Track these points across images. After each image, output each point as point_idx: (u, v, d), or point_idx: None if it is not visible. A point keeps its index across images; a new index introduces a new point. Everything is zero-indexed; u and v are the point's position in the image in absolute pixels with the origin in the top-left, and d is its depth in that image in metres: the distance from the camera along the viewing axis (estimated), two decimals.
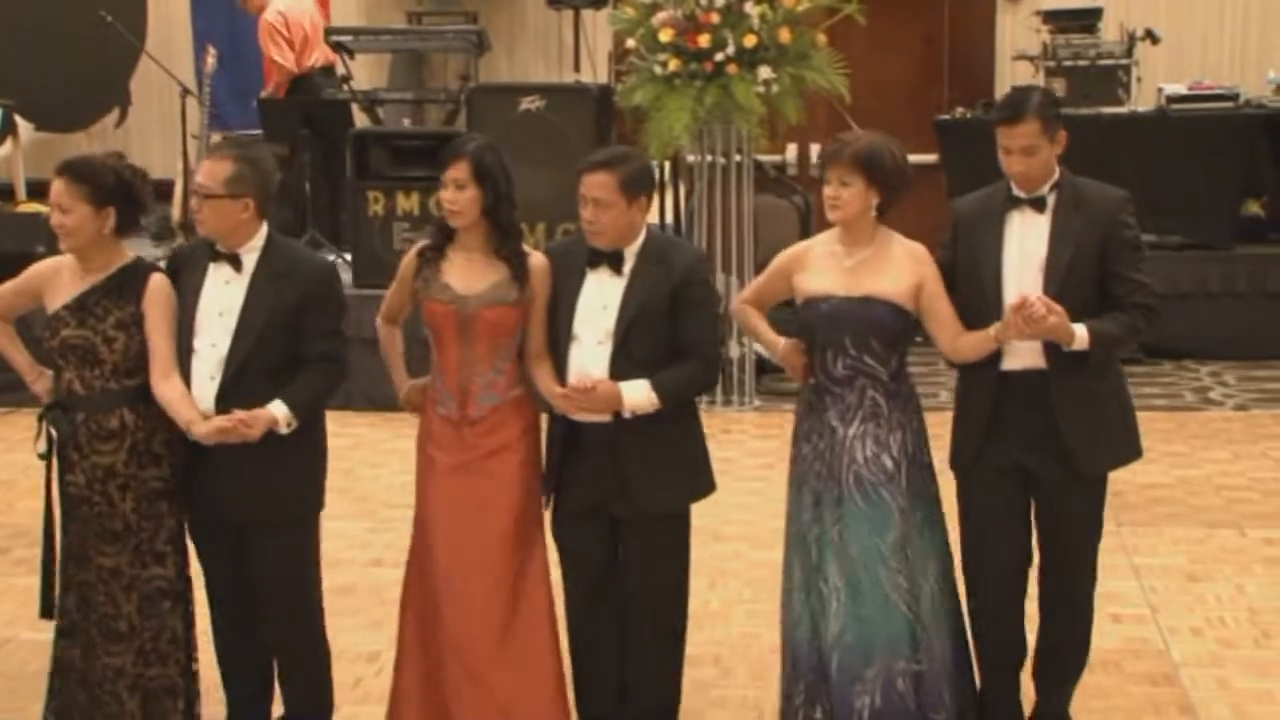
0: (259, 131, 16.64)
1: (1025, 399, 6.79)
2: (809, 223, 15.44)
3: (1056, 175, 6.86)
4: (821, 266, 6.97)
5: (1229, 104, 15.98)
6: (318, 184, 16.06)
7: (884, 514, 6.83)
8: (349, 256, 15.11)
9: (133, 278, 7.04)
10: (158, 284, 7.03)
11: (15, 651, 7.69)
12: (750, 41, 13.48)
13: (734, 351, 14.11)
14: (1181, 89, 16.05)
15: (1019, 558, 7.04)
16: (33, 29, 17.47)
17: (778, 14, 13.57)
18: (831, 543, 6.86)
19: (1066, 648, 7.14)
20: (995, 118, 7.01)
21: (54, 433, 7.07)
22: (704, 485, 7.32)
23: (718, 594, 8.55)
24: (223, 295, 6.98)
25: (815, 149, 15.48)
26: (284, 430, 6.88)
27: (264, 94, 17.07)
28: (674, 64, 13.61)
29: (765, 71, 13.55)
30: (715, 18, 13.50)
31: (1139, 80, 16.02)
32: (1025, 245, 6.80)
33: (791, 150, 15.34)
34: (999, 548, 6.99)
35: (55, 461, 7.13)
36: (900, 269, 6.86)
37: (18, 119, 17.09)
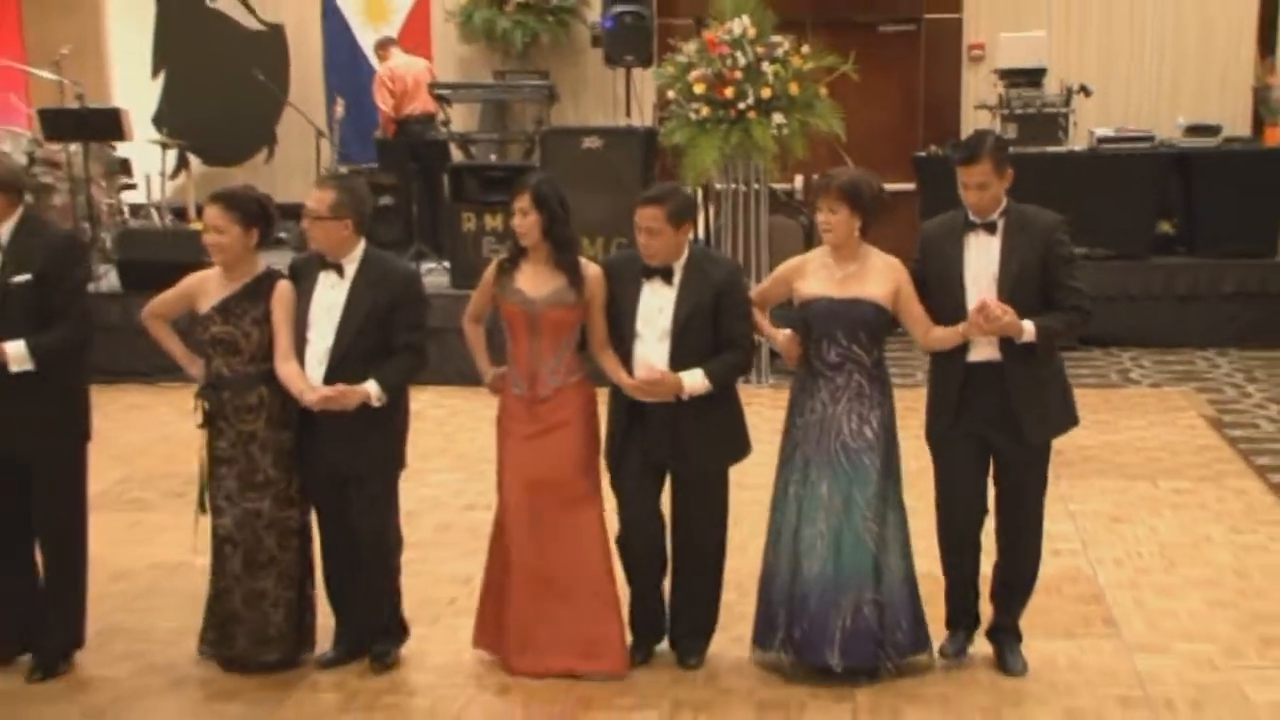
0: (376, 165, 16.67)
1: (986, 384, 6.93)
2: (811, 238, 15.40)
3: (1004, 204, 7.02)
4: (817, 275, 7.10)
5: (1146, 144, 15.96)
6: (423, 206, 16.05)
7: (864, 475, 7.01)
8: (447, 264, 15.12)
9: (265, 284, 7.31)
10: (283, 288, 7.29)
11: (189, 575, 7.76)
12: (766, 93, 13.46)
13: None
14: (1109, 132, 15.99)
15: (978, 509, 7.16)
16: (201, 86, 17.48)
17: (788, 71, 13.54)
18: (821, 497, 7.01)
19: (1018, 578, 7.24)
20: (955, 158, 7.17)
21: (207, 406, 7.31)
22: (743, 449, 7.44)
23: (738, 531, 8.46)
24: (330, 296, 7.24)
25: (815, 179, 15.45)
26: (375, 404, 7.13)
27: (377, 135, 17.10)
28: (705, 111, 13.59)
29: (778, 117, 13.52)
30: (739, 74, 13.47)
31: (1075, 125, 15.98)
32: (981, 261, 6.97)
33: (798, 180, 15.29)
34: (964, 501, 7.14)
35: (209, 429, 7.34)
36: (881, 277, 7.02)
37: (190, 156, 17.14)
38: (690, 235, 7.34)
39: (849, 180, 7.06)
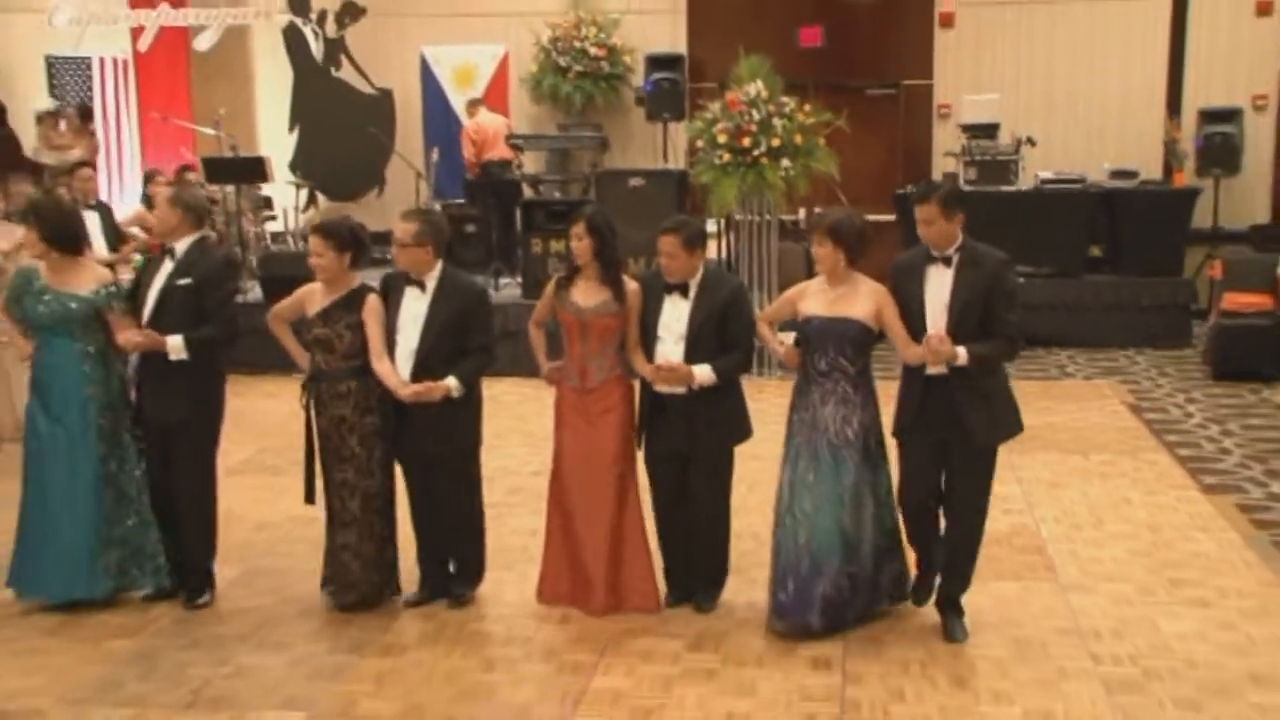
0: (463, 200, 16.69)
1: (940, 393, 6.80)
2: (811, 260, 15.40)
3: (959, 241, 6.86)
4: (814, 298, 7.05)
5: (1079, 185, 15.85)
6: (500, 233, 15.99)
7: (844, 468, 6.94)
8: (520, 279, 15.07)
9: (357, 297, 7.41)
10: (372, 300, 7.39)
11: (316, 528, 7.69)
12: (776, 142, 13.43)
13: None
14: (1050, 174, 15.90)
15: (929, 494, 7.06)
16: (327, 138, 17.53)
17: (793, 125, 13.52)
18: (808, 483, 6.96)
19: (957, 559, 7.06)
20: (912, 197, 7.21)
21: (309, 393, 7.50)
22: (745, 432, 7.42)
23: (754, 495, 8.52)
24: (415, 307, 7.34)
25: (816, 211, 15.42)
26: (455, 395, 7.23)
27: (468, 177, 17.12)
28: (727, 157, 13.57)
29: (785, 162, 13.49)
30: (754, 127, 13.46)
31: (1023, 169, 15.87)
32: (937, 289, 6.83)
33: (802, 212, 15.28)
34: (917, 486, 7.05)
35: (312, 413, 7.52)
36: (865, 300, 6.93)
37: (318, 194, 17.21)
38: (703, 258, 7.34)
39: (835, 220, 7.00)
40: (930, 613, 7.42)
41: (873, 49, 17.81)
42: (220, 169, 16.14)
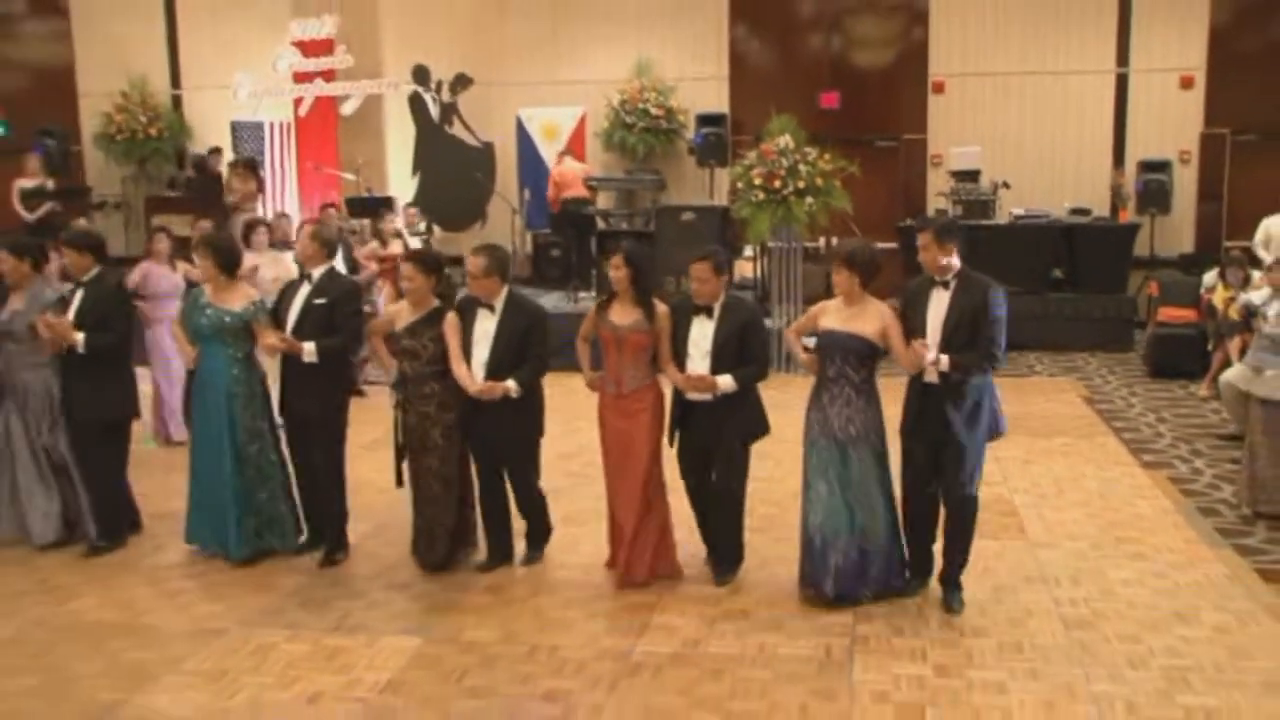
0: (549, 230, 16.77)
1: (934, 400, 6.65)
2: (829, 280, 15.41)
3: (957, 269, 6.67)
4: (832, 315, 6.89)
5: (1044, 219, 15.79)
6: (578, 257, 16.02)
7: (849, 459, 6.77)
8: (594, 294, 14.86)
9: (438, 314, 7.37)
10: (451, 318, 7.31)
11: (405, 504, 7.72)
12: (801, 184, 13.44)
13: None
14: (1021, 211, 15.84)
15: (930, 485, 6.85)
16: (441, 181, 17.62)
17: (815, 170, 13.53)
18: (820, 469, 6.80)
19: (953, 540, 6.86)
20: (915, 226, 7.11)
21: (399, 395, 7.48)
22: (762, 430, 7.24)
23: (782, 469, 8.59)
24: (485, 325, 7.27)
25: (834, 239, 15.43)
26: (514, 395, 7.16)
27: (552, 211, 17.21)
28: (761, 195, 13.57)
29: (809, 200, 13.48)
30: (783, 172, 13.46)
31: (999, 207, 15.88)
32: (937, 310, 6.67)
33: (822, 240, 15.29)
34: (920, 479, 6.88)
35: (399, 410, 7.50)
36: (872, 319, 6.76)
37: (435, 226, 17.35)
38: (727, 283, 7.21)
39: (851, 250, 6.85)
40: (918, 597, 7.43)
41: (879, 110, 17.80)
42: (359, 206, 16.33)
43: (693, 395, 7.08)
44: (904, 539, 7.04)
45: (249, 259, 10.97)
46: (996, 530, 8.17)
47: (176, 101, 19.68)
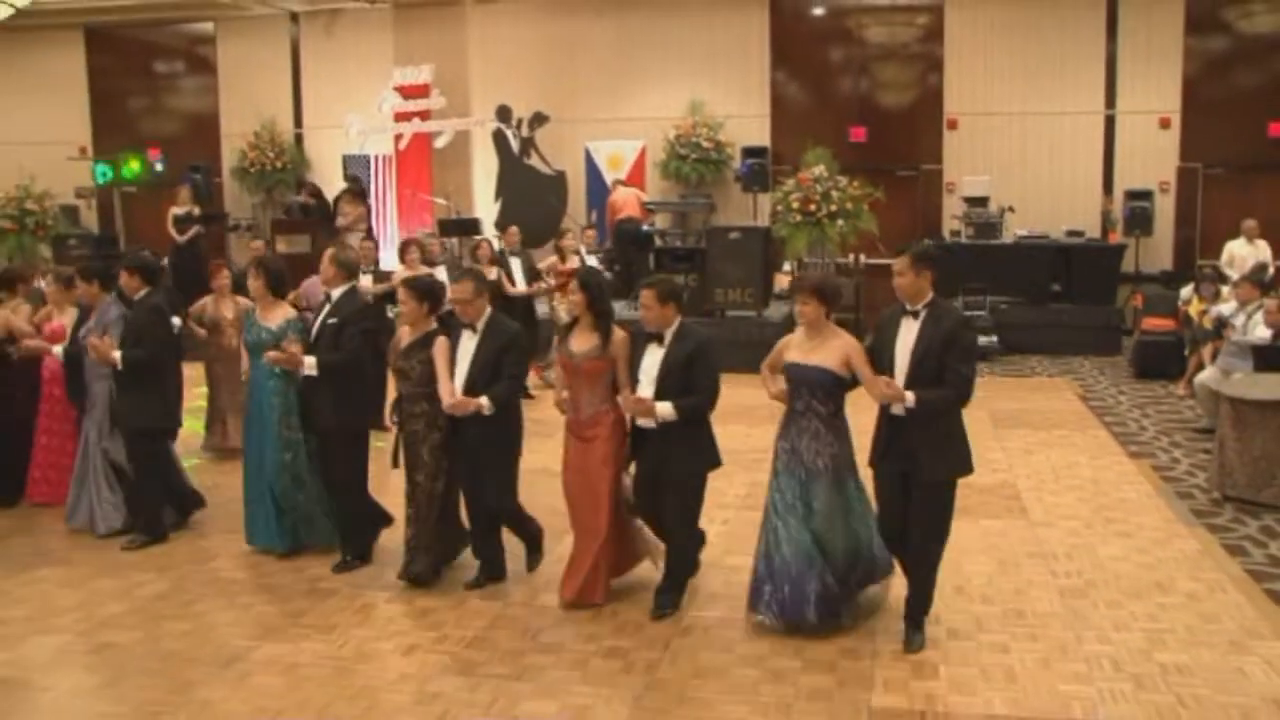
0: (610, 246, 16.84)
1: (901, 432, 5.72)
2: (860, 291, 15.42)
3: (929, 297, 5.73)
4: (797, 347, 6.04)
5: (1044, 240, 15.76)
6: (638, 271, 15.91)
7: (815, 492, 5.93)
8: None
9: (430, 337, 6.73)
10: (440, 341, 6.65)
11: (401, 505, 7.19)
12: (833, 208, 13.54)
13: None
14: (1025, 232, 15.80)
15: (900, 517, 5.83)
16: (520, 205, 17.61)
17: (846, 195, 13.62)
18: (788, 502, 5.98)
19: (914, 582, 5.92)
20: (894, 252, 6.02)
21: (396, 413, 6.88)
22: (710, 463, 6.32)
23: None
24: (467, 345, 6.58)
25: (862, 256, 15.45)
26: (487, 412, 6.42)
27: (611, 230, 17.25)
28: (799, 217, 13.69)
29: (840, 222, 13.59)
30: (818, 197, 13.56)
31: (1006, 229, 15.83)
32: (906, 338, 5.70)
33: (851, 257, 15.28)
34: (888, 511, 5.91)
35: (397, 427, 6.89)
36: (836, 350, 5.90)
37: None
38: (676, 311, 6.25)
39: (817, 281, 6.10)
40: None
41: (900, 143, 17.75)
42: (449, 227, 16.51)
43: (641, 421, 6.28)
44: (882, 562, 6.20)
45: (399, 274, 10.93)
46: (1000, 511, 8.17)
47: (299, 139, 19.98)
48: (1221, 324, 11.38)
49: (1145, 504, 8.36)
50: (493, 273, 11.71)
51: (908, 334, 5.73)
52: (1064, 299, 15.52)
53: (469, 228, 16.51)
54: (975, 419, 10.89)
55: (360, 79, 18.74)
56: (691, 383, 6.15)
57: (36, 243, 17.26)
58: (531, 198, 17.77)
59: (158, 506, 7.87)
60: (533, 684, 5.48)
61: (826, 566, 5.95)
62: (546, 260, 13.35)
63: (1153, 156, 17.00)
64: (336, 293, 7.23)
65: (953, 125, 17.65)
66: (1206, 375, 10.53)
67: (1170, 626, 6.07)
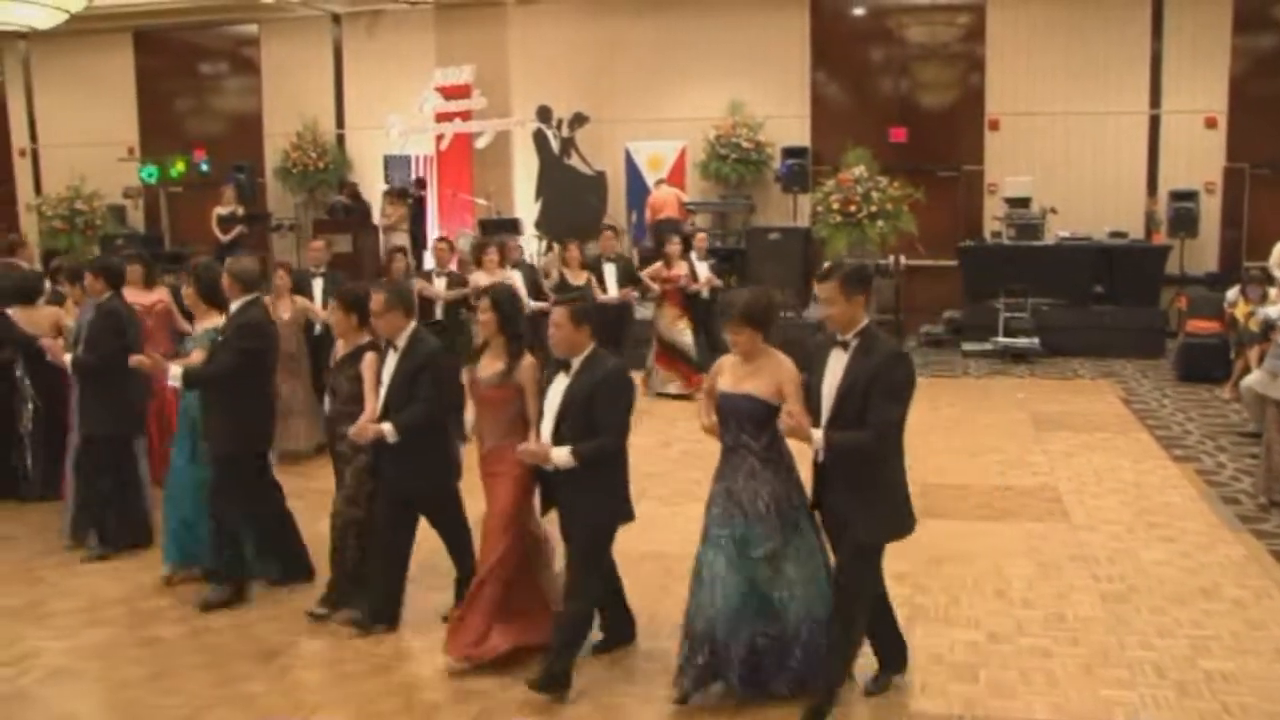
0: (651, 246, 16.82)
1: (825, 480, 5.02)
2: (901, 292, 15.36)
3: (861, 325, 4.94)
4: (727, 373, 5.20)
5: (1087, 241, 15.59)
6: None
7: (756, 538, 5.06)
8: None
9: (359, 352, 6.25)
10: (369, 356, 6.14)
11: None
12: (874, 209, 13.50)
13: None
14: (1067, 234, 15.62)
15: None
16: (560, 205, 17.65)
17: (886, 196, 13.57)
18: (723, 549, 5.13)
19: (832, 646, 5.10)
20: (816, 276, 5.25)
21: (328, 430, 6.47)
22: (617, 517, 5.43)
23: None
24: (390, 364, 5.96)
25: (901, 257, 15.38)
26: (390, 439, 5.83)
27: (650, 230, 17.23)
28: (839, 218, 13.65)
29: (880, 223, 13.54)
30: (858, 198, 13.52)
31: (1048, 230, 15.68)
32: (834, 372, 4.91)
33: (891, 258, 15.21)
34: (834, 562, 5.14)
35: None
36: (768, 376, 5.07)
37: (554, 244, 17.41)
38: (588, 336, 5.41)
39: (746, 305, 5.15)
40: (965, 552, 7.37)
41: (941, 144, 17.63)
42: (489, 227, 16.56)
43: (525, 460, 5.48)
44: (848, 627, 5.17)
45: (479, 278, 10.80)
46: (1042, 514, 8.10)
47: (340, 140, 20.09)
48: (1269, 326, 11.22)
49: (1189, 508, 8.26)
50: (582, 277, 11.44)
51: (836, 367, 4.97)
52: (1107, 301, 15.37)
53: (509, 228, 16.57)
54: (1016, 421, 10.97)
55: (401, 79, 18.81)
56: (594, 421, 5.28)
57: (86, 242, 17.52)
58: (572, 198, 17.80)
59: (100, 514, 7.54)
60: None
61: (764, 627, 5.14)
62: (652, 266, 12.82)
63: (1199, 157, 16.81)
64: (234, 306, 6.65)
65: (994, 126, 17.53)
66: (1253, 379, 10.38)
67: (1215, 633, 5.99)
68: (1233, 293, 13.24)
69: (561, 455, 5.26)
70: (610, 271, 12.22)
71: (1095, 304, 15.38)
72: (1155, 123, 17.01)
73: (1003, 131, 17.47)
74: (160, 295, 9.16)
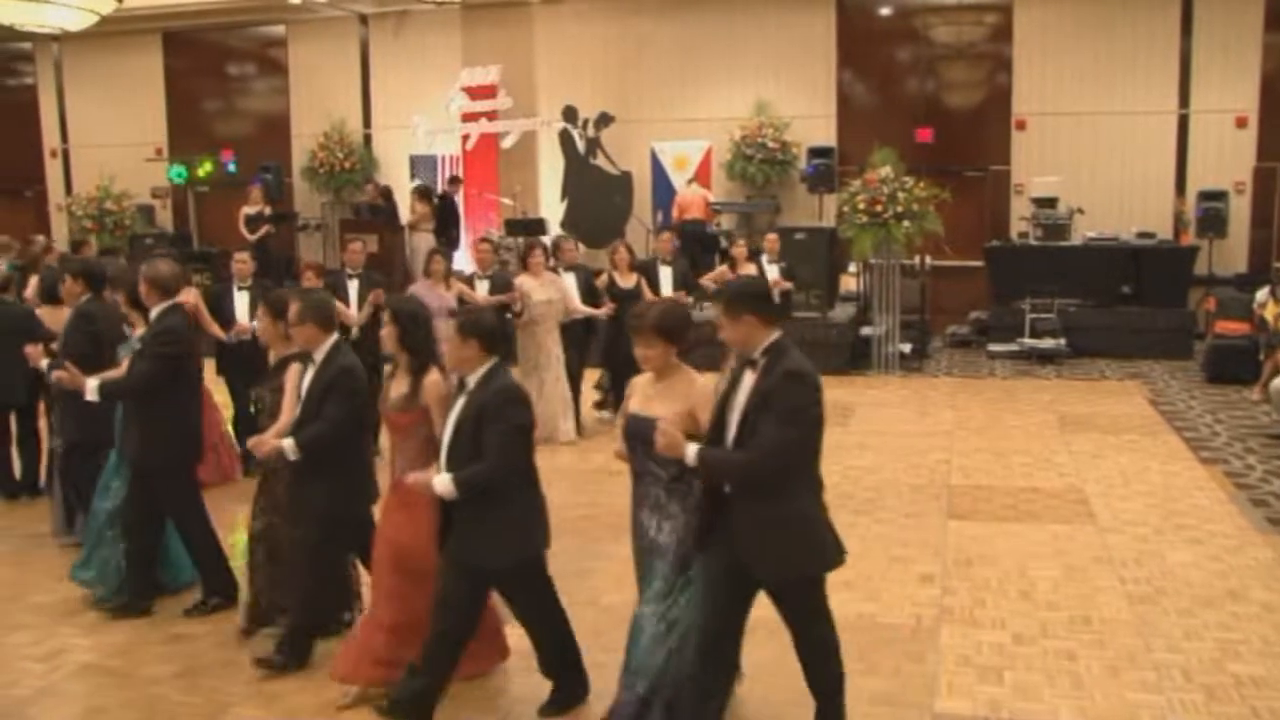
0: (679, 243, 16.79)
1: (721, 509, 4.42)
2: (927, 293, 15.31)
3: (767, 343, 4.37)
4: (638, 393, 4.77)
5: (1114, 242, 15.48)
6: (703, 271, 15.95)
7: (654, 573, 4.67)
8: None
9: (284, 363, 5.94)
10: (293, 369, 5.79)
11: None
12: (900, 209, 13.39)
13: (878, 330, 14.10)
14: (1094, 234, 15.53)
15: (724, 621, 4.55)
16: (586, 204, 17.76)
17: (912, 196, 13.46)
18: (640, 580, 4.78)
19: (823, 697, 4.72)
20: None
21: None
22: (514, 552, 4.84)
23: (880, 458, 8.49)
24: (307, 378, 5.61)
25: (928, 258, 15.32)
26: (290, 457, 5.45)
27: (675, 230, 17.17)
28: (865, 218, 13.53)
29: (906, 223, 13.44)
30: (884, 198, 13.43)
31: (1075, 230, 15.60)
32: (741, 392, 4.35)
33: (917, 258, 15.14)
34: (711, 610, 4.54)
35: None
36: (678, 396, 4.60)
37: (580, 244, 17.47)
38: (479, 353, 4.83)
39: (658, 316, 4.66)
40: (991, 553, 7.33)
41: (968, 144, 17.56)
42: (515, 226, 16.57)
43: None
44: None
45: (525, 282, 10.40)
46: (1068, 516, 8.06)
47: (367, 139, 20.16)
48: None
49: (1217, 511, 8.21)
50: (631, 280, 10.89)
51: (744, 387, 4.41)
52: (1134, 302, 15.29)
53: (535, 227, 16.59)
54: (1042, 422, 10.93)
55: (428, 80, 18.87)
56: (481, 445, 4.74)
57: (115, 242, 17.65)
58: (597, 198, 17.80)
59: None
60: (592, 682, 5.43)
61: (656, 675, 4.68)
62: (716, 270, 12.37)
63: (1228, 156, 16.68)
64: (154, 312, 6.33)
65: (1021, 126, 17.44)
66: None
67: (1244, 637, 5.95)
68: (1262, 294, 13.14)
69: (443, 484, 4.74)
70: (666, 274, 11.46)
71: (1123, 305, 15.29)
72: (1184, 122, 16.88)
73: (1030, 131, 17.38)
74: (188, 296, 9.15)
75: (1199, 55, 16.71)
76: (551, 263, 11.08)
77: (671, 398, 4.63)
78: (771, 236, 12.88)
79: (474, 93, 17.75)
